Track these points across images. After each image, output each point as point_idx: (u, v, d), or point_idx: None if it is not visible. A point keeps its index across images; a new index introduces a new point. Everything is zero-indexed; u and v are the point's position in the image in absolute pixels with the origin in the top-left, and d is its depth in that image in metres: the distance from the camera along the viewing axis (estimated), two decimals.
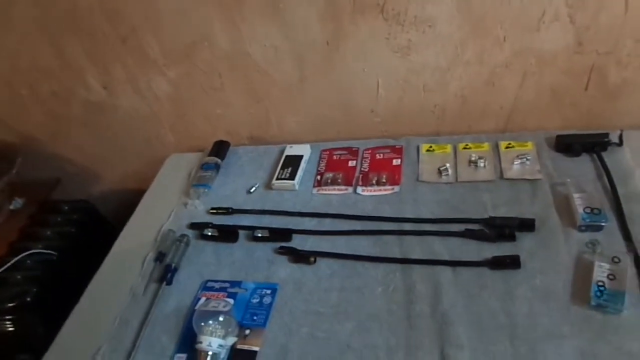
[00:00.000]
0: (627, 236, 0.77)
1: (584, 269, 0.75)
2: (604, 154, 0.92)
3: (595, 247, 0.77)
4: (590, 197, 0.83)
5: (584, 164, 0.93)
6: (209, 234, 0.98)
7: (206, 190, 1.08)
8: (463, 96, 1.06)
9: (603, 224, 0.79)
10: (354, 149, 1.10)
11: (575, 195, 0.84)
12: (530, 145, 0.98)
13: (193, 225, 1.01)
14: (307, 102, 1.14)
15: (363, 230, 0.91)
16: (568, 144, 0.95)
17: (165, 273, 0.91)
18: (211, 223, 1.00)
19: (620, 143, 0.93)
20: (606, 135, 0.93)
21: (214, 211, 1.03)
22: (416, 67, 1.02)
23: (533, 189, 0.90)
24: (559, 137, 0.96)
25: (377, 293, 0.80)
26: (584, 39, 0.92)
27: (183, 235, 0.98)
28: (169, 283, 0.90)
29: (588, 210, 0.80)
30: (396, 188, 0.98)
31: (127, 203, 1.33)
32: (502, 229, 0.83)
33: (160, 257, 0.95)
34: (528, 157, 0.95)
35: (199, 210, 1.06)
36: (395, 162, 1.03)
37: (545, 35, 0.93)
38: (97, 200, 1.43)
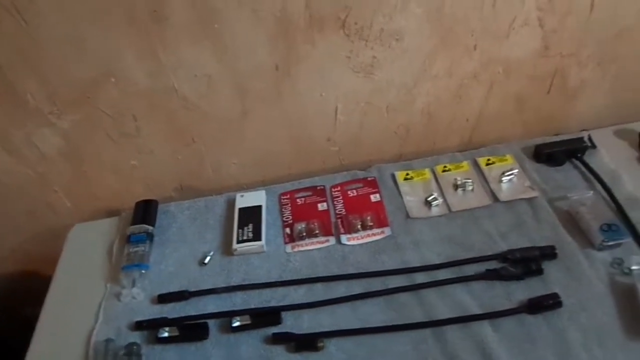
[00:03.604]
0: None
1: (623, 294, 0.70)
2: (585, 159, 0.89)
3: (622, 267, 0.72)
4: (596, 211, 0.79)
5: (568, 173, 0.89)
6: (166, 335, 0.73)
7: (143, 271, 0.82)
8: (429, 113, 0.95)
9: (624, 240, 0.74)
10: (318, 188, 0.93)
11: (583, 210, 0.79)
12: (510, 159, 0.92)
13: (139, 325, 0.75)
14: (250, 138, 0.94)
15: (367, 293, 0.75)
16: (549, 153, 0.90)
17: None
18: (165, 317, 0.75)
19: (592, 145, 0.91)
20: (582, 139, 0.90)
21: (164, 299, 0.78)
22: (380, 86, 0.89)
23: (532, 208, 0.83)
24: (538, 147, 0.91)
25: None
26: (551, 42, 0.88)
27: (130, 345, 0.72)
28: None
29: (605, 228, 0.75)
30: (387, 230, 0.84)
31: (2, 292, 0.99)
32: (526, 263, 0.74)
33: None
34: (514, 173, 0.88)
35: (139, 300, 0.79)
36: (374, 198, 0.89)
37: (514, 41, 0.86)
38: None
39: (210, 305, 0.77)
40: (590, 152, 0.90)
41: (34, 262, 1.08)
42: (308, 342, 0.70)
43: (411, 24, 0.81)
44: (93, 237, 0.91)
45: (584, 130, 0.95)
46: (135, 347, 0.71)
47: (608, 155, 0.90)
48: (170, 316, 0.76)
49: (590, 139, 0.92)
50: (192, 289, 0.79)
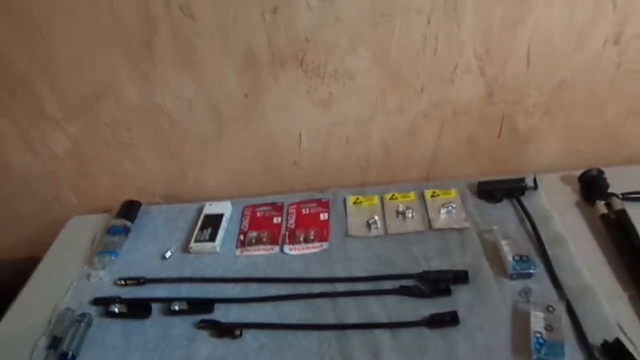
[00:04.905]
0: (555, 283, 0.78)
1: (521, 320, 0.73)
2: (522, 199, 0.94)
3: (529, 296, 0.77)
4: (517, 244, 0.84)
5: (505, 210, 0.94)
6: (116, 310, 0.85)
7: (113, 257, 0.96)
8: (386, 146, 1.05)
9: (532, 271, 0.79)
10: (278, 204, 1.04)
11: (503, 242, 0.84)
12: (453, 193, 0.99)
13: (97, 301, 0.88)
14: (226, 156, 1.07)
15: (292, 295, 0.84)
16: (489, 190, 0.96)
17: None
18: (119, 297, 0.87)
19: (535, 187, 0.96)
20: (522, 180, 0.96)
21: (122, 282, 0.91)
22: (338, 119, 1.00)
23: (462, 238, 0.89)
24: (480, 184, 0.98)
25: None
26: (494, 89, 0.96)
27: (84, 314, 0.84)
28: None
29: (517, 258, 0.80)
30: (325, 245, 0.92)
31: (17, 276, 1.15)
32: (437, 283, 0.80)
33: (54, 343, 0.81)
34: (453, 206, 0.95)
35: (104, 282, 0.93)
36: (323, 216, 0.99)
37: (459, 87, 0.95)
38: None
39: (159, 291, 0.89)
40: (530, 192, 0.96)
41: (44, 250, 1.25)
42: (228, 330, 0.79)
43: (361, 66, 0.93)
44: (85, 228, 1.07)
45: (533, 173, 1.00)
46: (87, 317, 0.84)
47: (546, 197, 0.95)
48: (124, 296, 0.88)
49: (535, 181, 0.97)
50: (150, 277, 0.91)
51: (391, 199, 1.00)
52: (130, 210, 1.05)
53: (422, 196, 1.00)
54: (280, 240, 0.95)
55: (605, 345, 0.68)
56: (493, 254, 0.85)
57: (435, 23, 0.86)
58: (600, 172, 0.92)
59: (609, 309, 0.73)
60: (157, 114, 1.00)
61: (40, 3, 0.85)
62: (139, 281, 0.90)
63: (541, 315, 0.72)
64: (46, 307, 0.89)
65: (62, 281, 0.94)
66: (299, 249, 0.92)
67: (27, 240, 1.23)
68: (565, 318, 0.71)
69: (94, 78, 0.95)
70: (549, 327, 0.70)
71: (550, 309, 0.72)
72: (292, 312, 0.81)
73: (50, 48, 0.90)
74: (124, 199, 1.10)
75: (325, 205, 1.01)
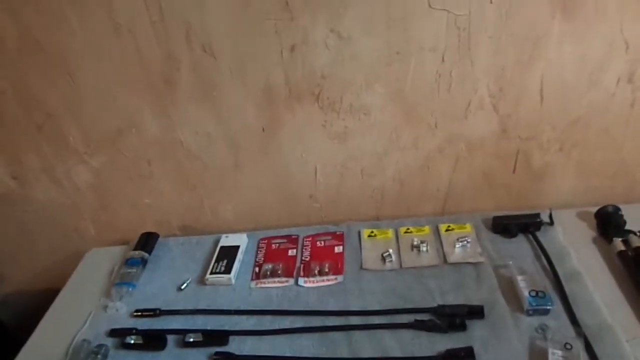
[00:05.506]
0: (573, 319, 0.76)
1: (538, 357, 0.72)
2: (538, 234, 0.94)
3: (546, 333, 0.75)
4: (533, 279, 0.83)
5: (521, 245, 0.94)
6: (132, 342, 0.85)
7: (130, 289, 0.97)
8: (401, 180, 1.06)
9: (549, 307, 0.78)
10: (293, 236, 1.05)
11: (519, 278, 0.84)
12: (468, 228, 0.99)
13: (113, 332, 0.89)
14: (243, 189, 1.09)
15: (306, 328, 0.84)
16: (504, 225, 0.96)
17: None
18: (135, 329, 0.88)
19: (551, 222, 0.96)
20: (538, 215, 0.96)
21: (139, 314, 0.92)
22: (354, 152, 1.02)
23: (477, 272, 0.89)
24: (495, 218, 0.98)
25: None
26: (508, 126, 0.97)
27: (100, 346, 0.85)
28: None
29: (533, 294, 0.79)
30: (339, 278, 0.93)
31: (36, 308, 1.17)
32: (453, 318, 0.79)
33: None
34: (468, 240, 0.95)
35: (121, 313, 0.93)
36: (337, 249, 0.99)
37: (473, 123, 0.97)
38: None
39: (175, 323, 0.89)
40: (546, 228, 0.95)
41: (63, 281, 1.26)
42: None
43: (376, 102, 0.95)
44: (103, 260, 1.09)
45: (549, 209, 1.00)
46: (103, 348, 0.84)
47: (563, 232, 0.94)
48: (140, 328, 0.89)
49: (550, 216, 0.97)
50: (166, 308, 0.92)
51: (406, 232, 1.00)
52: (147, 242, 1.07)
53: (437, 230, 1.00)
54: (295, 273, 0.96)
55: None
56: (508, 289, 0.85)
57: (449, 61, 0.89)
58: (617, 209, 0.92)
59: (628, 348, 0.72)
60: (176, 147, 1.03)
61: (70, 43, 0.89)
62: (155, 313, 0.91)
63: (559, 352, 0.71)
64: (64, 338, 0.89)
65: (80, 312, 0.95)
66: (313, 282, 0.93)
67: (47, 271, 1.26)
68: (583, 356, 0.70)
69: (118, 114, 0.99)
70: None
71: (568, 346, 0.71)
72: (307, 345, 0.81)
73: (77, 86, 0.95)
74: (142, 231, 1.12)
75: (340, 238, 1.02)
